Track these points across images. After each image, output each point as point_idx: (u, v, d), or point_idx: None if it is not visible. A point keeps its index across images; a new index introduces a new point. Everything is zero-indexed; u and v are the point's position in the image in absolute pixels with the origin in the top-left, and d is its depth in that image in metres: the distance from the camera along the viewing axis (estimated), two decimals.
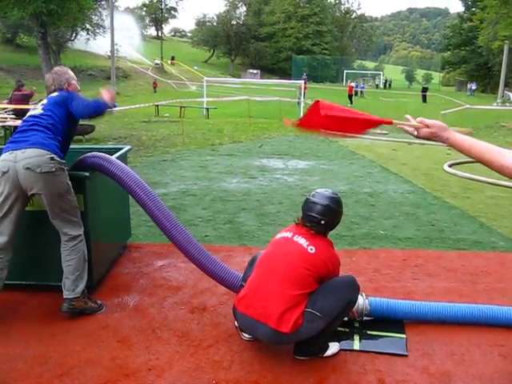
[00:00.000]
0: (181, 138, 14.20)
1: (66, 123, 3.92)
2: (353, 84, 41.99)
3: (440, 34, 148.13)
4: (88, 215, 4.09)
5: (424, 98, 44.88)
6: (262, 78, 73.94)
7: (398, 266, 5.06)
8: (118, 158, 4.64)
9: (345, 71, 75.69)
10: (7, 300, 4.07)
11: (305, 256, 3.18)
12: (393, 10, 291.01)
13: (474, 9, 67.47)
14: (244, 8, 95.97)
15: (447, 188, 8.89)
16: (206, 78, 30.87)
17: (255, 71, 77.29)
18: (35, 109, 4.00)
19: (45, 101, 4.05)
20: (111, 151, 4.93)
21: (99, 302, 4.05)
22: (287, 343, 3.25)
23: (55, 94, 4.05)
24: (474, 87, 58.29)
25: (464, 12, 74.17)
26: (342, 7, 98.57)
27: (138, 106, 20.52)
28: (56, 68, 4.30)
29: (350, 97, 38.94)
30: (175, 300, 4.21)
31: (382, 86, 70.94)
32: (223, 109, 26.73)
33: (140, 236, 5.79)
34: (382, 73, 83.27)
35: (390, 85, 70.17)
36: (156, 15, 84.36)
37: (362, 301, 3.76)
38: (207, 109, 24.74)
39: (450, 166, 10.76)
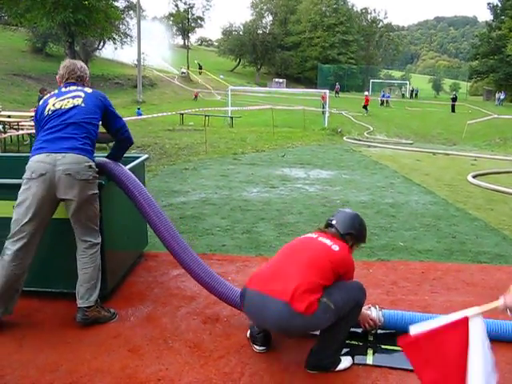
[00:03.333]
0: (204, 146, 14.24)
1: (97, 124, 3.95)
2: (367, 93, 42.01)
3: (468, 42, 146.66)
4: (103, 222, 4.09)
5: (453, 108, 44.28)
6: (287, 87, 74.04)
7: (416, 278, 4.97)
8: (134, 166, 4.66)
9: (371, 80, 75.41)
10: (23, 306, 4.09)
11: (329, 252, 3.29)
12: (420, 19, 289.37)
13: (502, 17, 66.79)
14: (270, 17, 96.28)
15: (470, 199, 8.75)
16: (230, 87, 31.07)
17: (281, 80, 77.39)
18: (68, 97, 3.86)
19: (78, 93, 3.92)
20: (129, 159, 4.96)
21: (112, 310, 4.05)
22: (296, 329, 3.12)
23: (87, 89, 4.02)
24: (502, 96, 57.52)
25: (492, 20, 73.33)
26: (369, 16, 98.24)
27: (162, 114, 20.67)
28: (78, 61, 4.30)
29: (365, 107, 38.98)
30: (188, 310, 4.19)
31: (408, 95, 70.47)
32: (247, 118, 26.82)
33: (157, 245, 5.76)
34: (408, 82, 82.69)
35: (416, 94, 69.64)
36: (183, 25, 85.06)
37: (375, 313, 3.71)
38: (231, 118, 24.85)
39: (474, 176, 10.62)
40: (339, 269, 3.25)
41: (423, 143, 20.51)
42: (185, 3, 80.00)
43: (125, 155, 4.46)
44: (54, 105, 3.82)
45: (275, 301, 3.05)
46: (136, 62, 46.00)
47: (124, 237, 4.78)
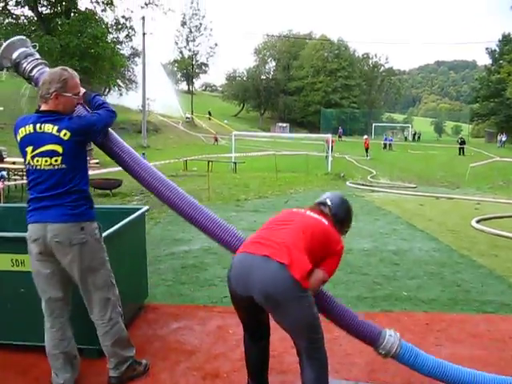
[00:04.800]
0: (207, 193, 14.25)
1: (85, 157, 3.59)
2: (366, 137, 42.40)
3: (468, 86, 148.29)
4: None
5: (461, 151, 44.04)
6: (291, 131, 74.78)
7: (420, 330, 4.88)
8: (134, 219, 4.64)
9: (373, 124, 76.10)
10: (18, 362, 4.02)
11: (319, 222, 3.25)
12: (420, 63, 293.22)
13: (501, 61, 67.78)
14: (273, 63, 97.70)
15: (474, 245, 8.67)
16: (234, 133, 31.28)
17: (284, 125, 78.19)
18: (44, 151, 3.34)
19: (54, 146, 3.34)
20: (130, 211, 4.96)
21: (144, 361, 3.98)
22: (285, 298, 2.85)
23: (64, 131, 3.34)
24: (504, 138, 57.84)
25: (491, 64, 74.48)
26: (370, 61, 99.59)
27: (165, 162, 20.79)
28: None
29: (367, 150, 39.32)
30: (188, 365, 4.11)
31: (410, 138, 70.92)
32: (251, 163, 26.94)
33: (157, 296, 5.73)
34: (410, 125, 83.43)
35: (419, 137, 70.23)
36: (187, 70, 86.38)
37: (393, 338, 3.49)
38: (235, 163, 24.96)
39: (478, 221, 10.56)
40: (330, 242, 3.16)
41: (426, 187, 20.47)
42: (189, 50, 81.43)
43: (125, 207, 4.44)
44: (32, 158, 3.37)
45: (270, 261, 2.87)
46: (141, 108, 46.62)
47: (124, 289, 4.72)
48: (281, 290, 2.82)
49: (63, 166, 3.37)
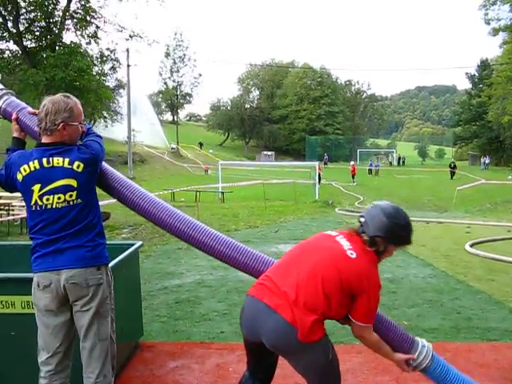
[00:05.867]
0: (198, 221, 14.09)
1: (96, 190, 3.32)
2: (353, 163, 42.45)
3: (450, 110, 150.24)
4: None
5: (452, 175, 43.51)
6: (276, 159, 75.15)
7: None
8: (128, 255, 4.50)
9: (358, 150, 76.65)
10: None
11: (341, 257, 2.82)
12: (402, 89, 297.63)
13: (481, 85, 68.82)
14: (257, 92, 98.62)
15: (470, 270, 8.58)
16: (220, 162, 31.25)
17: (269, 153, 78.55)
18: (55, 187, 3.06)
19: (68, 180, 3.07)
20: (123, 247, 4.81)
21: None
22: (294, 354, 2.77)
23: (77, 162, 3.10)
24: (487, 161, 58.58)
25: (472, 89, 75.71)
26: (353, 88, 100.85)
27: (153, 193, 20.56)
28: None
29: (353, 176, 39.36)
30: None
31: (395, 163, 71.46)
32: (238, 191, 26.84)
33: (153, 333, 5.55)
34: (395, 150, 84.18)
35: (403, 162, 70.77)
36: (172, 101, 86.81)
37: (427, 349, 3.14)
38: (222, 193, 24.86)
39: (472, 245, 10.50)
40: (351, 282, 2.75)
41: (414, 211, 20.41)
42: (173, 81, 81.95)
43: (117, 243, 4.27)
44: (41, 197, 3.06)
45: (273, 313, 2.72)
46: (126, 139, 46.54)
47: (119, 328, 4.55)
48: (285, 344, 2.73)
49: (79, 201, 3.09)
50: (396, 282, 7.79)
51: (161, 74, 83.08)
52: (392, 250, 2.97)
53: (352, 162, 43.21)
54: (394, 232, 2.89)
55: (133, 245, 5.03)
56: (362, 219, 2.97)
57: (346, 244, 2.88)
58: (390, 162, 72.11)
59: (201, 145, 76.44)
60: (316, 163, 30.68)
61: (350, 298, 2.80)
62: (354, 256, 2.81)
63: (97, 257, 3.15)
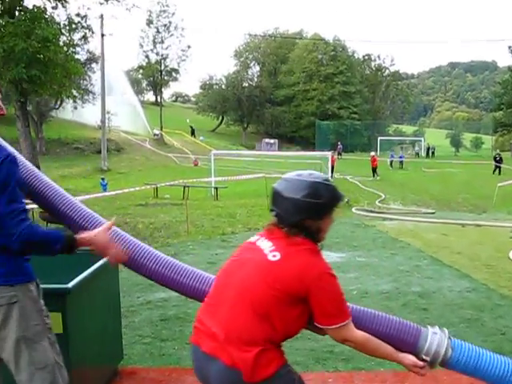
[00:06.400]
0: (185, 225, 14.09)
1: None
2: (373, 153, 41.83)
3: (489, 91, 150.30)
4: (68, 338, 3.87)
5: (497, 170, 42.36)
6: (280, 148, 75.17)
7: None
8: (102, 265, 4.46)
9: (378, 138, 76.56)
10: None
11: (264, 266, 2.70)
12: (431, 66, 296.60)
13: None
14: (257, 68, 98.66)
15: None
16: (213, 152, 31.19)
17: (272, 141, 78.52)
18: None
19: None
20: (97, 258, 4.78)
21: None
22: None
23: None
24: None
25: None
26: (373, 64, 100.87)
27: (132, 189, 20.63)
28: None
29: (375, 169, 38.79)
30: None
31: (423, 153, 71.32)
32: (235, 187, 26.84)
33: (134, 357, 5.53)
34: (422, 138, 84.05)
35: (433, 153, 70.43)
36: (154, 78, 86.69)
37: (440, 337, 2.96)
38: (216, 188, 24.82)
39: None
40: (288, 289, 2.63)
41: (447, 212, 20.46)
42: (157, 54, 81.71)
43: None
44: None
45: (212, 361, 2.66)
46: (100, 123, 46.57)
47: (94, 351, 4.54)
48: None
49: None
50: (427, 296, 7.78)
51: (141, 46, 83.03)
52: (326, 222, 2.86)
53: (373, 153, 42.88)
54: (314, 205, 2.76)
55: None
56: (273, 211, 2.85)
57: (266, 246, 2.78)
58: (417, 153, 71.77)
59: (193, 131, 76.28)
60: (329, 153, 30.68)
61: (301, 304, 2.68)
62: (277, 257, 2.70)
63: (9, 274, 2.98)
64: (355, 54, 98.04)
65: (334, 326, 2.68)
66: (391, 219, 17.05)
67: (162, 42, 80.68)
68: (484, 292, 8.07)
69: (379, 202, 23.21)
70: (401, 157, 54.09)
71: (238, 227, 14.65)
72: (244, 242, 2.99)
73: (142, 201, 22.18)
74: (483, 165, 45.74)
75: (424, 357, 2.89)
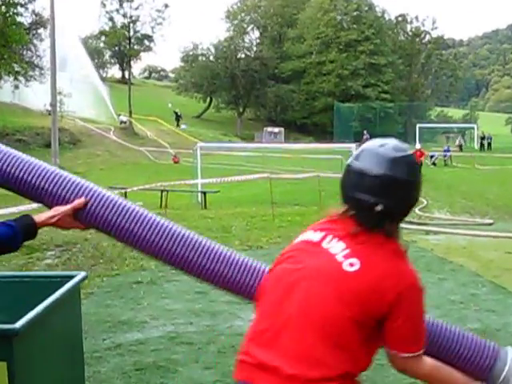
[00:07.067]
0: None
1: None
2: (418, 146, 41.61)
3: None
4: None
5: None
6: (286, 139, 75.05)
7: None
8: (60, 298, 4.43)
9: (417, 125, 76.39)
10: None
11: (338, 279, 2.63)
12: (486, 29, 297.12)
13: None
14: (256, 33, 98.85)
15: None
16: (200, 145, 31.14)
17: (276, 130, 78.54)
18: None
19: None
20: (53, 282, 4.76)
21: None
22: None
23: None
24: None
25: None
26: (409, 27, 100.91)
27: None
28: None
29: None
30: None
31: (477, 146, 71.11)
32: (229, 191, 26.83)
33: None
34: (475, 126, 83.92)
35: (489, 144, 70.15)
36: (121, 48, 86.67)
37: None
38: (204, 193, 24.75)
39: None
40: (369, 308, 2.60)
41: (510, 223, 20.45)
42: (124, 15, 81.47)
43: (42, 274, 4.18)
44: None
45: None
46: (49, 108, 46.45)
47: None
48: None
49: None
50: (489, 335, 7.71)
51: (104, 5, 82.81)
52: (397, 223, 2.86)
53: (418, 145, 42.75)
54: (416, 186, 2.90)
55: (70, 278, 4.96)
56: (351, 192, 2.79)
57: (338, 249, 2.72)
58: (460, 146, 68.62)
59: (178, 117, 76.16)
60: (352, 146, 30.58)
61: (378, 324, 2.67)
62: (356, 267, 2.63)
63: None
64: (386, 15, 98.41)
65: (406, 355, 2.68)
66: (436, 232, 17.04)
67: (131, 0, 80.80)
68: None
69: (420, 209, 23.20)
70: (446, 151, 53.90)
71: (235, 244, 14.59)
72: (300, 240, 2.92)
73: None
74: None
75: None
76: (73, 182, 3.42)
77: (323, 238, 2.79)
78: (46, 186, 3.31)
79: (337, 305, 2.56)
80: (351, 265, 2.62)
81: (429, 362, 2.76)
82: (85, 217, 3.34)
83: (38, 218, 3.20)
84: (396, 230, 2.81)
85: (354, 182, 2.77)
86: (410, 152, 2.89)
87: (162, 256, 3.35)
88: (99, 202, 3.35)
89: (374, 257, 2.66)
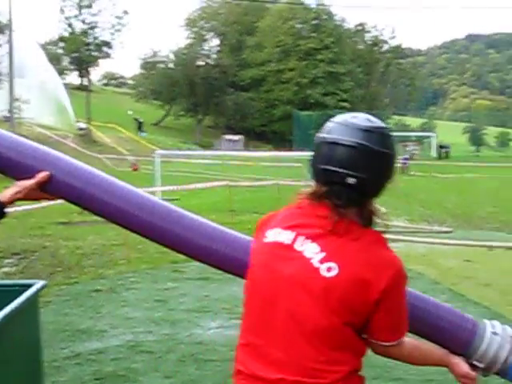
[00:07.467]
0: (123, 250, 13.98)
1: None
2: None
3: None
4: None
5: None
6: (246, 146, 75.19)
7: None
8: (19, 307, 4.37)
9: None
10: None
11: (319, 288, 2.51)
12: (445, 39, 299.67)
13: None
14: (216, 41, 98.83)
15: None
16: (159, 152, 31.05)
17: (236, 137, 78.77)
18: None
19: None
20: (10, 291, 4.70)
21: None
22: None
23: None
24: None
25: None
26: (368, 36, 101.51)
27: (50, 203, 20.29)
28: None
29: None
30: None
31: (434, 153, 71.67)
32: (189, 199, 26.73)
33: None
34: (434, 134, 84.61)
35: (447, 153, 70.80)
36: (80, 54, 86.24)
37: (500, 340, 2.86)
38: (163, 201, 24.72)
39: None
40: (353, 309, 2.51)
41: (468, 231, 20.62)
42: (83, 22, 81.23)
43: (5, 284, 4.15)
44: None
45: None
46: (7, 115, 46.14)
47: None
48: None
49: None
50: None
51: (63, 11, 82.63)
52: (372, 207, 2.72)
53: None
54: (392, 164, 2.74)
55: (28, 286, 4.90)
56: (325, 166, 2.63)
57: (313, 252, 2.57)
58: (411, 156, 66.72)
59: (139, 124, 75.98)
60: (312, 153, 30.70)
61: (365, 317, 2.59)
62: (335, 272, 2.50)
63: None
64: (345, 24, 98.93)
65: (388, 344, 2.65)
66: (395, 240, 17.10)
67: (90, 6, 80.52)
68: None
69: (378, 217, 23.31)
70: (405, 159, 54.17)
71: None
72: (268, 237, 2.72)
73: (65, 218, 21.93)
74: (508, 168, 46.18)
75: (476, 362, 2.84)
76: (37, 151, 3.37)
77: (294, 240, 2.62)
78: (10, 154, 3.26)
79: (324, 313, 2.48)
80: (329, 269, 2.49)
81: (409, 343, 2.71)
82: (51, 188, 3.29)
83: (3, 196, 3.19)
84: (370, 214, 2.65)
85: (325, 155, 2.65)
86: (384, 124, 2.77)
87: (129, 224, 3.32)
88: (65, 171, 3.28)
89: (351, 255, 2.52)
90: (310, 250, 2.55)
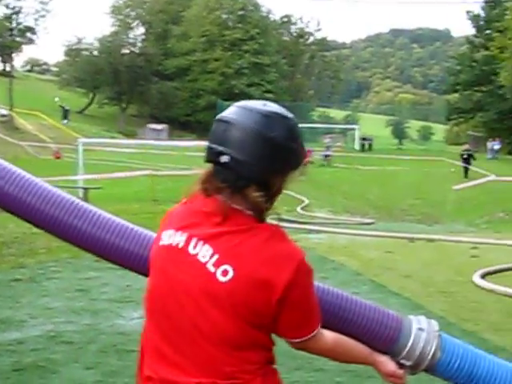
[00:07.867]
0: (44, 239, 13.76)
1: None
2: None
3: (441, 66, 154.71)
4: None
5: (466, 172, 40.96)
6: (170, 136, 74.84)
7: None
8: None
9: (300, 125, 76.90)
10: None
11: (217, 294, 2.37)
12: (369, 33, 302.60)
13: (488, 31, 69.61)
14: (141, 29, 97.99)
15: (482, 314, 8.80)
16: (82, 140, 30.76)
17: (160, 127, 78.29)
18: None
19: None
20: None
21: None
22: None
23: None
24: (496, 146, 59.07)
25: (475, 35, 76.84)
26: (293, 28, 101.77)
27: None
28: None
29: None
30: None
31: (357, 146, 72.11)
32: (111, 187, 26.51)
33: None
34: (356, 127, 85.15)
35: (370, 145, 71.23)
36: (3, 39, 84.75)
37: (426, 336, 2.74)
38: (85, 189, 24.42)
39: (483, 276, 10.71)
40: (256, 311, 2.38)
41: (389, 222, 20.89)
42: (6, 6, 79.81)
43: None
44: None
45: None
46: None
47: None
48: None
49: None
50: None
51: None
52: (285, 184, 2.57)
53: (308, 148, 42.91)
54: (291, 151, 2.50)
55: None
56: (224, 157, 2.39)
57: (207, 255, 2.40)
58: (328, 147, 66.91)
59: (65, 112, 74.93)
60: None
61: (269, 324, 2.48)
62: (230, 275, 2.35)
63: None
64: (271, 15, 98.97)
65: (300, 340, 2.54)
66: (318, 231, 17.19)
67: None
68: (442, 327, 8.14)
69: (301, 208, 23.39)
70: (327, 150, 54.41)
71: None
72: (163, 239, 2.51)
73: None
74: (434, 161, 46.74)
75: (403, 361, 2.74)
76: None
77: (188, 242, 2.43)
78: None
79: (229, 319, 2.36)
80: (224, 273, 2.34)
81: (330, 337, 2.62)
82: None
83: None
84: (259, 206, 2.44)
85: (210, 133, 2.48)
86: (285, 113, 2.52)
87: (43, 223, 3.20)
88: None
89: (246, 255, 2.34)
90: (204, 253, 2.38)
